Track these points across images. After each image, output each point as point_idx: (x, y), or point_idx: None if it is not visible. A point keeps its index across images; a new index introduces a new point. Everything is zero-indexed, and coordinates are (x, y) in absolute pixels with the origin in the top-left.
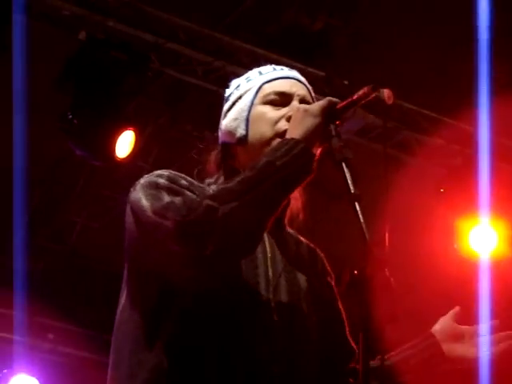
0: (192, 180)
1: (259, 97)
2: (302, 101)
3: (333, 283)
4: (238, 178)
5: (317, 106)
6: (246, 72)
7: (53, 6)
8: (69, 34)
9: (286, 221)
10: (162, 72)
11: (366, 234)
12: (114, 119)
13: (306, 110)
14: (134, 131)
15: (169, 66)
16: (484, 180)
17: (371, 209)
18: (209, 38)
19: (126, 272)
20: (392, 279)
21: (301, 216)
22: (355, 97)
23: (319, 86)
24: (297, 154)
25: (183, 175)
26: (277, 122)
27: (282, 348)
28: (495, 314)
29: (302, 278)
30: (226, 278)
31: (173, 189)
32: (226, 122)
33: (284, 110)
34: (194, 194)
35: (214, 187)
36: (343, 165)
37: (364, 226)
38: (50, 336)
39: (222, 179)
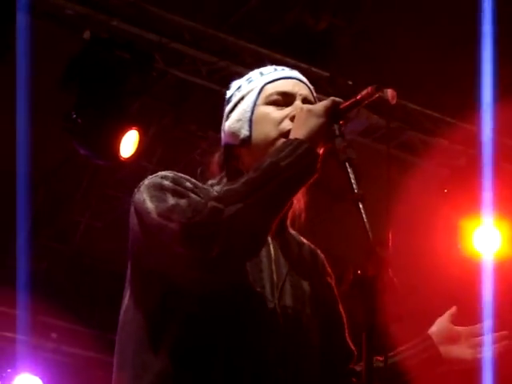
0: (196, 182)
1: (262, 97)
2: (305, 100)
3: (333, 284)
4: (242, 180)
5: (320, 105)
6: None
7: (56, 5)
8: (73, 33)
9: (288, 222)
10: (166, 72)
11: (370, 234)
12: (118, 119)
13: (309, 110)
14: (138, 131)
15: (173, 65)
16: (488, 180)
17: (375, 209)
18: (213, 37)
19: (129, 271)
20: (395, 279)
21: (303, 217)
22: (359, 97)
23: (323, 86)
24: (301, 154)
25: (187, 177)
26: (281, 121)
27: (287, 351)
28: (498, 314)
29: (305, 282)
30: (232, 280)
31: (177, 191)
32: (228, 124)
33: (287, 110)
34: (199, 196)
35: (217, 188)
36: (347, 165)
37: (367, 226)
38: (54, 335)
39: (224, 180)
